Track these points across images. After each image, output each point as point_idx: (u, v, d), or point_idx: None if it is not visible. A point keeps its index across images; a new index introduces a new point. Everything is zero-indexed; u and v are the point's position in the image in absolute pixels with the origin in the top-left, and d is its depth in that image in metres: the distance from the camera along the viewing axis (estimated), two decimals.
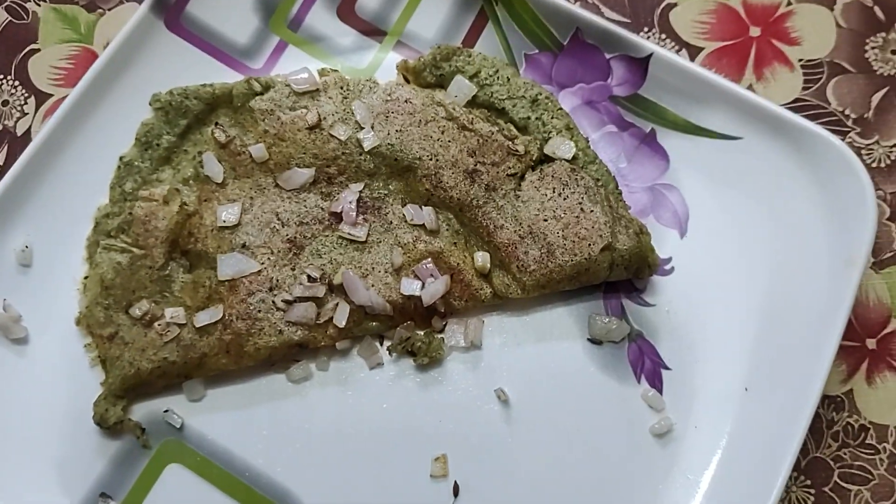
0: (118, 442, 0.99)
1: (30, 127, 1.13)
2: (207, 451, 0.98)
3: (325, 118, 1.03)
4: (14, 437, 0.98)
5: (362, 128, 1.02)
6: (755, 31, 1.12)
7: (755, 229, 1.01)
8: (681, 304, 1.01)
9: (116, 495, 0.97)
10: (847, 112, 1.09)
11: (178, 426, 0.99)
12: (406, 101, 1.03)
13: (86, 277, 1.02)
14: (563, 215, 0.99)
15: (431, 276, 0.99)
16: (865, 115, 1.09)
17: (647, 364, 0.99)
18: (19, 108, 1.13)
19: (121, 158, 1.05)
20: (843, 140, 0.97)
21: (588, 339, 1.00)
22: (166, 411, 0.99)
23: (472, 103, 1.04)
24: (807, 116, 1.00)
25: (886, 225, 1.05)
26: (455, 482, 0.96)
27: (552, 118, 1.04)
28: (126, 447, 0.99)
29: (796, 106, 1.09)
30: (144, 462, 0.98)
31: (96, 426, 0.97)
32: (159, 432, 0.99)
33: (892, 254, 1.05)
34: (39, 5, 1.17)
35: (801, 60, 1.11)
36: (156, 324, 0.98)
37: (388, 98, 1.03)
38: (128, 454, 0.99)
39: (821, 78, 1.10)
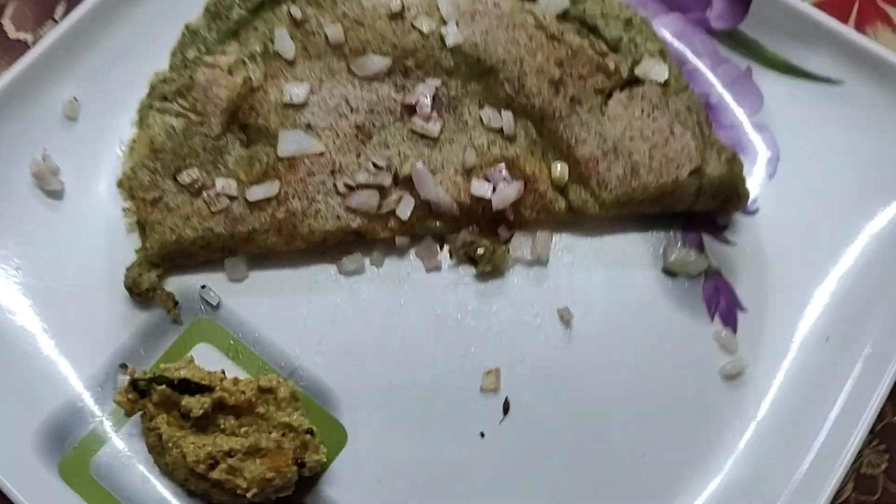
0: (146, 314, 0.91)
1: None
2: (242, 336, 0.91)
3: (408, 8, 0.97)
4: (37, 292, 0.91)
5: (446, 23, 0.96)
6: None
7: (849, 179, 0.95)
8: (763, 247, 0.94)
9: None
10: None
11: (214, 304, 0.91)
12: (494, 5, 0.98)
13: (133, 140, 0.95)
14: (651, 136, 0.93)
15: (504, 180, 0.93)
16: None
17: (723, 303, 0.93)
18: None
19: (186, 26, 0.99)
20: None
21: (662, 270, 0.94)
22: (203, 287, 0.92)
23: (563, 17, 0.99)
24: None
25: None
26: (506, 398, 0.89)
27: (645, 41, 0.98)
28: (154, 321, 0.91)
29: None
30: (172, 339, 0.91)
31: (126, 292, 0.90)
32: (192, 310, 0.92)
33: None
34: None
35: None
36: (204, 193, 0.92)
37: None
38: (155, 328, 0.91)
39: None
